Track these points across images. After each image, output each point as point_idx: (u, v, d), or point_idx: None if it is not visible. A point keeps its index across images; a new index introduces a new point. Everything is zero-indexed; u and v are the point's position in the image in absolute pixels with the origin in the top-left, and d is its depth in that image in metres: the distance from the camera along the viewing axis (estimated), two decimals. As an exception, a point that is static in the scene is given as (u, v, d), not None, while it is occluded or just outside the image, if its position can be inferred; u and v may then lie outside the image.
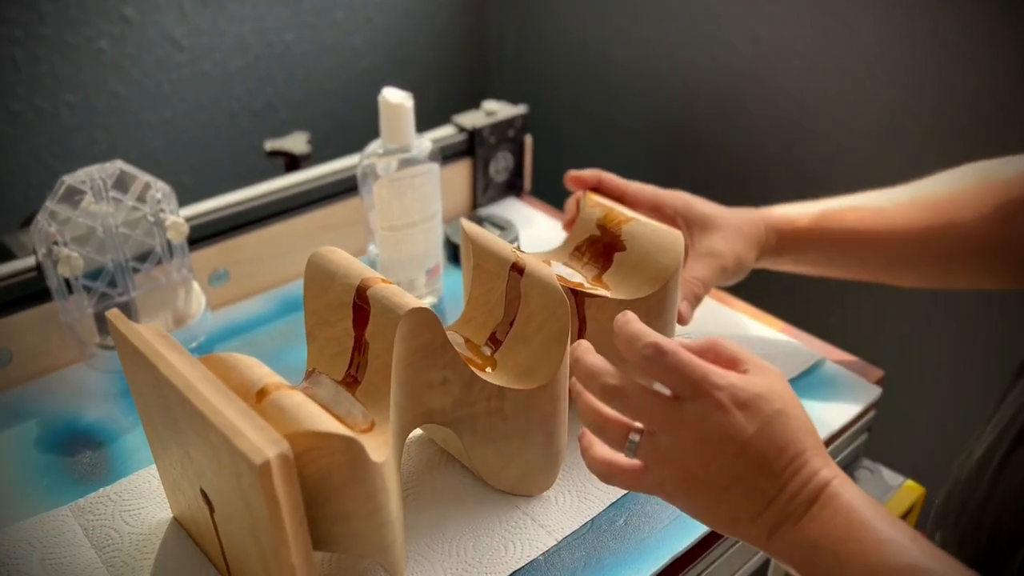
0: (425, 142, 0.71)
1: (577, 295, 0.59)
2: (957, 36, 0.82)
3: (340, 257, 0.54)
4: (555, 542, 0.55)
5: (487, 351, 0.57)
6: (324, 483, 0.44)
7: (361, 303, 0.51)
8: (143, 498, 0.58)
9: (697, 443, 0.43)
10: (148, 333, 0.48)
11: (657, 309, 0.61)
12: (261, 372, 0.47)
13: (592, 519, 0.57)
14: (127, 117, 1.01)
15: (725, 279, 0.69)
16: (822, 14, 0.91)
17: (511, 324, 0.56)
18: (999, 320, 0.91)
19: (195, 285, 0.72)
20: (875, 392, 0.70)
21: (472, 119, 0.88)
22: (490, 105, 0.89)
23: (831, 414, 0.67)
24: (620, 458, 0.46)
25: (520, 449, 0.56)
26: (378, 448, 0.46)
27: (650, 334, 0.45)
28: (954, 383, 0.97)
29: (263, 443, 0.40)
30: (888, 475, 0.74)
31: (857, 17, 0.88)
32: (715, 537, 0.58)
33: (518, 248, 0.59)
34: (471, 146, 0.88)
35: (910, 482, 0.72)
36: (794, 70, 0.95)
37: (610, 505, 0.58)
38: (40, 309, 0.68)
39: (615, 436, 0.46)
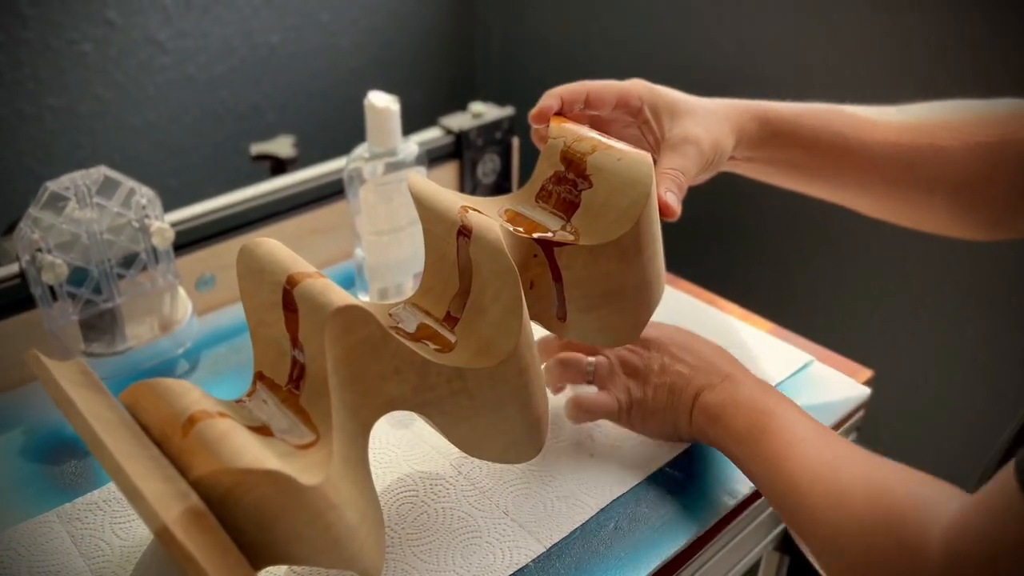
0: (411, 145, 0.71)
1: (545, 245, 0.54)
2: (940, 33, 0.82)
3: (266, 250, 0.49)
4: (544, 549, 0.55)
5: (444, 331, 0.53)
6: (264, 512, 0.43)
7: (291, 302, 0.48)
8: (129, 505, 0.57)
9: (634, 355, 0.62)
10: (67, 372, 0.46)
11: (633, 249, 0.54)
12: (189, 400, 0.44)
13: (582, 524, 0.57)
14: (111, 121, 1.01)
15: (705, 167, 0.60)
16: (806, 14, 0.91)
17: (467, 294, 0.53)
18: (988, 318, 0.91)
19: (181, 291, 0.72)
20: (864, 393, 0.70)
21: (459, 121, 0.88)
22: (477, 107, 0.89)
23: (821, 416, 0.67)
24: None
25: (494, 424, 0.53)
26: (316, 466, 0.44)
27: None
28: (944, 382, 0.97)
29: (166, 499, 0.39)
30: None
31: (841, 16, 0.89)
32: (706, 539, 0.58)
33: (468, 208, 0.53)
34: (458, 148, 0.88)
35: (898, 482, 0.72)
36: (779, 69, 0.96)
37: (600, 511, 0.58)
38: (24, 316, 0.67)
39: (577, 369, 0.63)
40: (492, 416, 0.52)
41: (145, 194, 0.67)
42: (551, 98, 0.62)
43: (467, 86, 1.32)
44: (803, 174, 0.65)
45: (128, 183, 0.66)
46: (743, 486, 0.60)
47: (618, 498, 0.59)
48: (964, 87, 0.84)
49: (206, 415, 0.43)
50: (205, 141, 1.09)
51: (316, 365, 0.46)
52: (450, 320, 0.53)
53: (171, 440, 0.43)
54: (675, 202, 0.56)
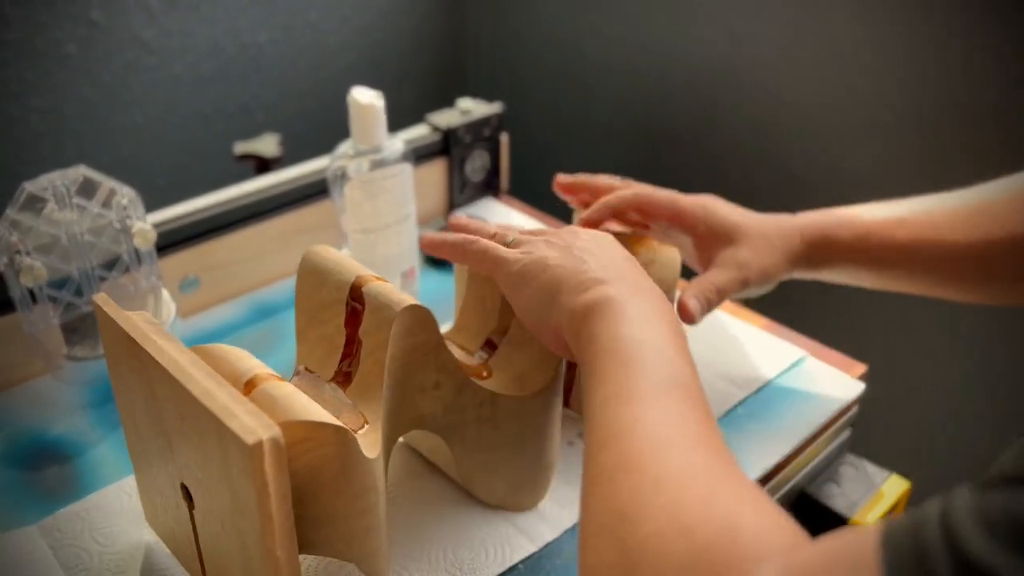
0: (397, 142, 0.70)
1: None
2: (934, 28, 0.82)
3: (334, 255, 0.53)
4: (536, 549, 0.54)
5: (483, 355, 0.55)
6: (313, 478, 0.43)
7: (355, 300, 0.49)
8: (114, 516, 0.56)
9: (537, 236, 0.53)
10: (137, 318, 0.47)
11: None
12: (251, 363, 0.46)
13: (574, 525, 0.56)
14: (97, 122, 0.99)
15: (747, 290, 0.63)
16: (799, 8, 0.90)
17: (506, 332, 0.55)
18: (983, 312, 0.90)
19: (165, 293, 0.71)
20: (858, 388, 0.69)
21: (447, 118, 0.87)
22: (465, 104, 0.88)
23: (814, 411, 0.67)
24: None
25: (509, 460, 0.54)
26: (370, 445, 0.45)
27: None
28: (939, 375, 0.96)
29: (256, 425, 0.39)
30: (872, 470, 0.73)
31: (834, 11, 0.87)
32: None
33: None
34: (446, 146, 0.87)
35: (895, 476, 0.72)
36: (772, 65, 0.95)
37: (590, 510, 0.57)
38: (3, 320, 0.66)
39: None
40: (510, 451, 0.54)
41: (126, 194, 0.66)
42: (602, 211, 0.63)
43: (458, 83, 1.31)
44: (871, 283, 0.66)
45: (109, 183, 0.65)
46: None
47: (609, 498, 0.58)
48: (958, 81, 0.83)
49: (270, 376, 0.44)
50: (193, 141, 1.08)
51: (372, 359, 0.48)
52: (490, 346, 0.56)
53: None
54: (696, 308, 0.59)
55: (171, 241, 0.72)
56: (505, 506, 0.57)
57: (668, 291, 0.60)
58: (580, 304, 0.46)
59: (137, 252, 0.68)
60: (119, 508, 0.56)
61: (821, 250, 0.64)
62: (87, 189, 0.65)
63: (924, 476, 0.79)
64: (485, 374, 0.54)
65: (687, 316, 0.58)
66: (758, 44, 0.95)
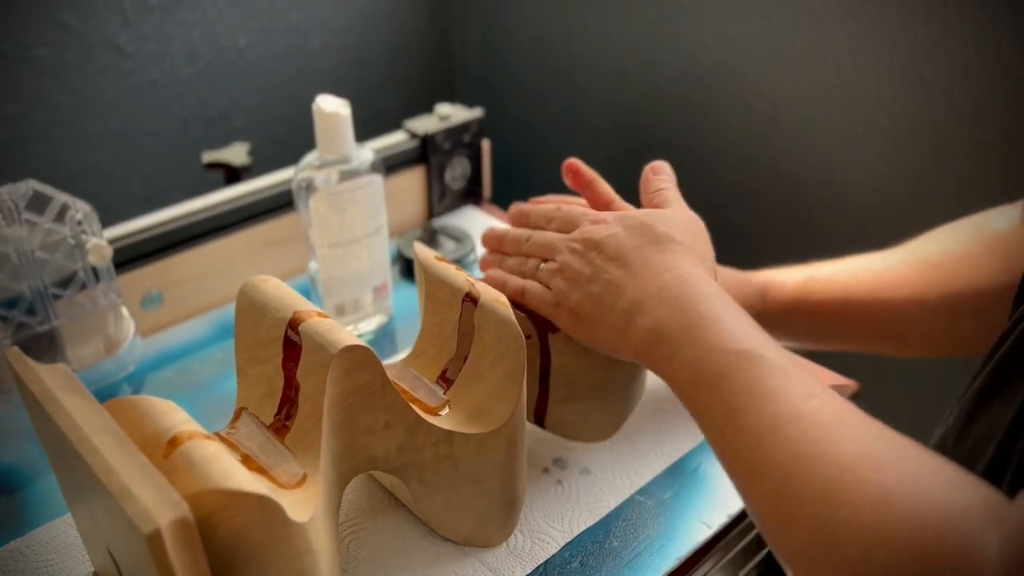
0: (366, 152, 0.67)
1: (541, 327, 0.54)
2: (929, 28, 0.78)
3: (273, 287, 0.49)
4: (502, 588, 0.51)
5: (438, 389, 0.52)
6: (241, 545, 0.40)
7: (293, 339, 0.46)
8: (58, 552, 0.53)
9: (570, 252, 0.53)
10: (50, 375, 0.44)
11: None
12: (175, 419, 0.42)
13: (545, 561, 0.53)
14: (69, 128, 0.97)
15: None
16: (791, 7, 0.87)
17: (464, 359, 0.52)
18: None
19: (124, 310, 0.68)
20: (851, 409, 0.66)
21: (424, 124, 0.84)
22: (443, 109, 0.85)
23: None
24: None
25: (473, 498, 0.51)
26: (303, 504, 0.42)
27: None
28: (935, 394, 0.93)
29: (158, 507, 0.36)
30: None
31: (827, 10, 0.84)
32: (681, 573, 0.54)
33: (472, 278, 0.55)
34: (424, 153, 0.83)
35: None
36: (764, 65, 0.91)
37: (565, 545, 0.54)
38: (-47, 341, 0.63)
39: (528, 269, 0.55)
40: (473, 489, 0.51)
41: (80, 208, 0.63)
42: (589, 174, 0.61)
43: (444, 87, 1.28)
44: (815, 341, 0.67)
45: (61, 197, 0.62)
46: (721, 514, 0.56)
47: (586, 530, 0.55)
48: (953, 82, 0.80)
49: (193, 435, 0.41)
50: (172, 147, 1.05)
51: (311, 404, 0.45)
52: (444, 381, 0.52)
53: (152, 459, 0.40)
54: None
55: (132, 256, 0.69)
56: (472, 543, 0.53)
57: None
58: (639, 340, 0.47)
59: (94, 269, 0.65)
60: (64, 543, 0.53)
61: (770, 304, 0.64)
62: (38, 204, 0.62)
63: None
64: (445, 409, 0.51)
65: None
66: (750, 45, 0.91)
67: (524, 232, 0.57)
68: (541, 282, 0.54)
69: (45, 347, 0.65)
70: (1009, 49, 0.74)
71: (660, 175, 0.59)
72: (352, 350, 0.44)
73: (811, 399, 0.40)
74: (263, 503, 0.38)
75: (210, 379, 0.68)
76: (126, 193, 1.04)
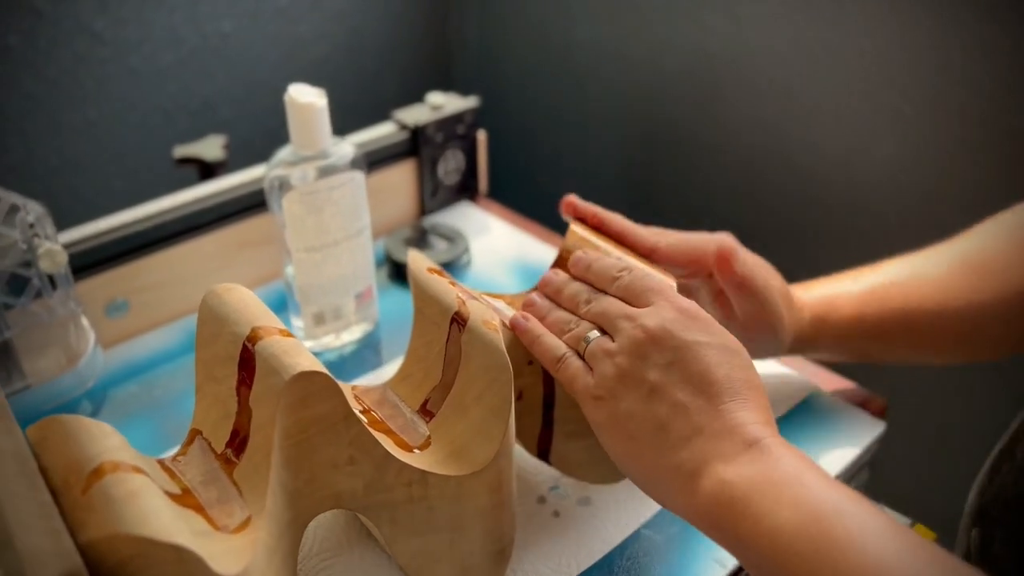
0: (346, 146, 0.61)
1: None
2: (956, 9, 0.72)
3: (237, 298, 0.44)
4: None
5: (418, 422, 0.47)
6: None
7: (249, 358, 0.41)
8: None
9: (646, 337, 0.42)
10: None
11: None
12: (102, 447, 0.37)
13: (537, 603, 0.47)
14: (43, 119, 0.91)
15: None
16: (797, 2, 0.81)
17: (449, 388, 0.46)
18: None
19: (84, 320, 0.62)
20: (878, 427, 0.60)
21: (415, 115, 0.78)
22: (435, 98, 0.79)
23: (828, 453, 0.58)
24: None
25: (452, 546, 0.45)
26: (239, 552, 0.37)
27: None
28: (969, 412, 0.87)
29: (43, 557, 0.31)
30: (893, 518, 0.64)
31: (833, 7, 0.78)
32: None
33: (482, 293, 0.48)
34: (415, 145, 0.78)
35: (919, 527, 0.62)
36: (777, 49, 0.85)
37: (562, 585, 0.48)
38: None
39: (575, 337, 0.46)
40: (450, 535, 0.45)
41: (32, 210, 0.58)
42: (592, 210, 0.54)
43: (441, 75, 1.22)
44: (870, 356, 0.61)
45: (11, 197, 0.57)
46: (733, 551, 0.50)
47: (584, 572, 0.49)
48: (976, 67, 0.73)
49: (117, 467, 0.36)
50: (153, 139, 0.99)
51: (261, 435, 0.40)
52: (424, 413, 0.47)
53: (71, 490, 0.36)
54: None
55: (95, 260, 0.64)
56: None
57: None
58: (704, 504, 0.40)
59: (50, 276, 0.60)
60: None
61: (822, 326, 0.58)
62: (-17, 205, 0.56)
63: (952, 527, 0.70)
64: (419, 447, 0.45)
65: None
66: (762, 27, 0.85)
67: (585, 293, 0.47)
68: (582, 354, 0.45)
69: (0, 360, 0.60)
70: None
71: None
72: (307, 377, 0.39)
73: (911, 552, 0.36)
74: (180, 554, 0.33)
75: (177, 395, 0.62)
76: (106, 188, 0.98)
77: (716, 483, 0.39)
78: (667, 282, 0.47)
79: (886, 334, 0.57)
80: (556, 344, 0.45)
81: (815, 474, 0.39)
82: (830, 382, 0.64)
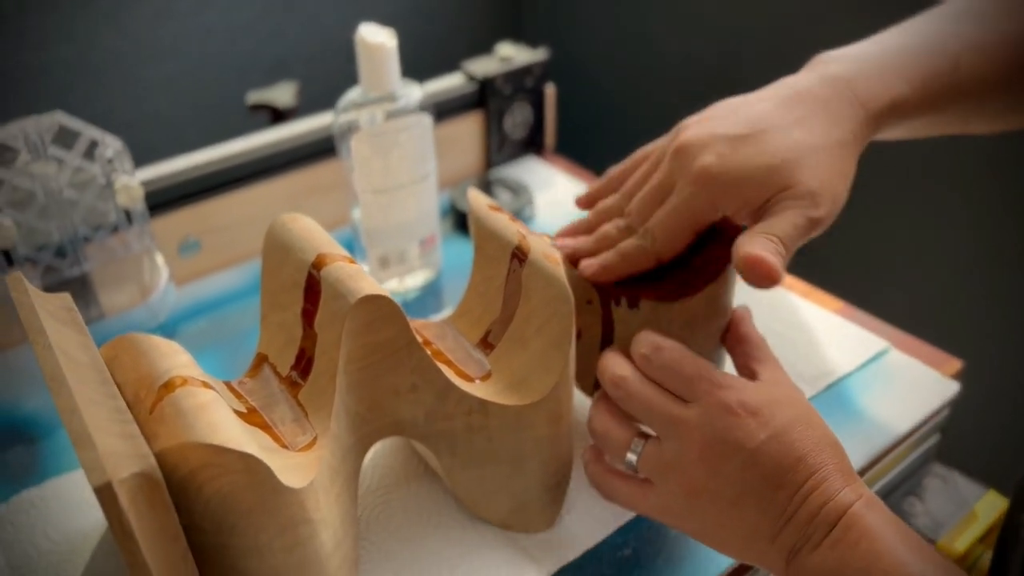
0: (414, 89, 0.61)
1: (604, 293, 0.47)
2: None
3: (302, 227, 0.44)
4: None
5: (479, 355, 0.47)
6: (229, 508, 0.35)
7: (314, 284, 0.41)
8: (68, 505, 0.50)
9: (702, 449, 0.40)
10: (48, 303, 0.40)
11: (705, 311, 0.47)
12: (173, 362, 0.38)
13: (596, 546, 0.47)
14: (125, 73, 0.94)
15: (812, 230, 0.45)
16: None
17: (509, 322, 0.46)
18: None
19: (158, 257, 0.64)
20: (951, 388, 0.58)
21: (484, 66, 0.78)
22: (505, 50, 0.78)
23: (898, 413, 0.56)
24: (623, 471, 0.44)
25: (510, 477, 0.45)
26: (304, 468, 0.37)
27: (654, 336, 0.44)
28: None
29: (117, 458, 0.31)
30: (965, 485, 0.61)
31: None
32: (742, 572, 0.47)
33: (537, 233, 0.48)
34: (482, 97, 0.77)
35: (992, 493, 0.60)
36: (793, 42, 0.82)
37: (616, 530, 0.48)
38: (-22, 284, 0.60)
39: (619, 441, 0.43)
40: (507, 467, 0.45)
41: (111, 145, 0.60)
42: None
43: (510, 26, 1.20)
44: (925, 132, 0.53)
45: (90, 132, 0.59)
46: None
47: (637, 519, 0.49)
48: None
49: (187, 381, 0.37)
50: (229, 93, 1.01)
51: (326, 359, 0.40)
52: (484, 346, 0.47)
53: (142, 403, 0.37)
54: (776, 263, 0.42)
55: (169, 199, 0.66)
56: (510, 527, 0.48)
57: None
58: (815, 535, 0.38)
59: (127, 211, 0.62)
60: (77, 497, 0.50)
61: (886, 121, 0.48)
62: (65, 138, 0.58)
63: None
64: (479, 378, 0.45)
65: (768, 274, 0.41)
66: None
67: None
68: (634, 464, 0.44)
69: (77, 292, 0.62)
70: None
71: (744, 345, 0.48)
72: (373, 300, 0.39)
73: None
74: (248, 463, 0.34)
75: (245, 331, 0.64)
76: (181, 138, 1.01)
77: (805, 572, 0.38)
78: (704, 363, 0.43)
79: (947, 114, 0.51)
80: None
81: (892, 545, 0.37)
82: (903, 341, 0.62)
